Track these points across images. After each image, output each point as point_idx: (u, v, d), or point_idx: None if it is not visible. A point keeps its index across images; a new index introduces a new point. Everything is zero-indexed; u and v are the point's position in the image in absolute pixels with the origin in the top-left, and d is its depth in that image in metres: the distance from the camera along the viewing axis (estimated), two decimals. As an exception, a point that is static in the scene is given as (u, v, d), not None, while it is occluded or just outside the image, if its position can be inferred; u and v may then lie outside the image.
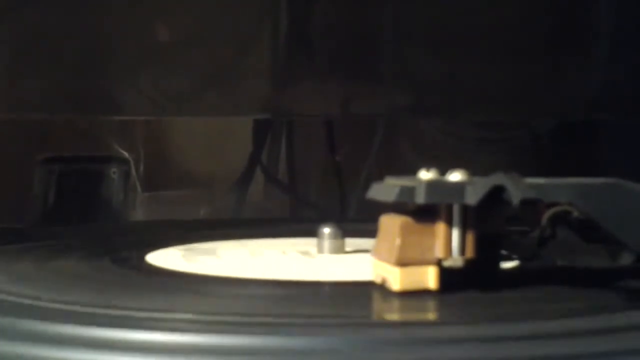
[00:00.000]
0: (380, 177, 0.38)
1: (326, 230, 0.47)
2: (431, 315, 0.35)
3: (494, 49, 0.73)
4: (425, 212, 0.36)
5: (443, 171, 0.36)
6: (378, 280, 0.37)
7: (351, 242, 0.48)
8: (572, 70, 0.74)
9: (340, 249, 0.47)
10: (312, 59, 0.75)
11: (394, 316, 0.35)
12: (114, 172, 0.74)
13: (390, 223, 0.37)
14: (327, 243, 0.47)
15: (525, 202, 0.34)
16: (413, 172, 0.37)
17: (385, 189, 0.36)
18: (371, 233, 0.38)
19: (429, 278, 0.36)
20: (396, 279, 0.36)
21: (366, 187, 0.38)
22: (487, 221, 0.36)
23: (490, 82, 0.73)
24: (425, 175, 0.36)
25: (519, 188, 0.34)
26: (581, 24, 0.74)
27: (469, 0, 0.72)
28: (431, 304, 0.35)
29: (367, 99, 0.75)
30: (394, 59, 0.74)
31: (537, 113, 0.76)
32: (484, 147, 0.77)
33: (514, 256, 0.42)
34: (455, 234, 0.36)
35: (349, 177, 0.77)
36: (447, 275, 0.36)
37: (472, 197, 0.34)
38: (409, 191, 0.35)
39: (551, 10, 0.74)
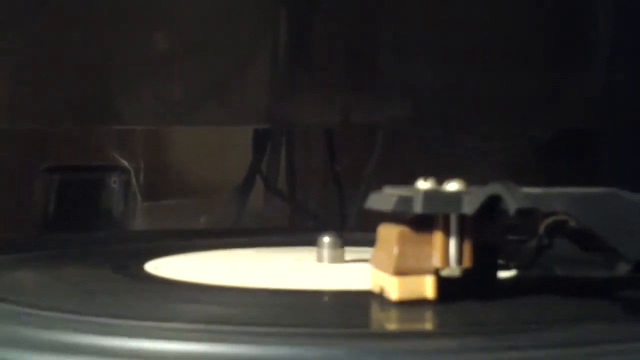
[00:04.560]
0: (379, 187, 0.38)
1: (326, 239, 0.48)
2: (429, 325, 0.35)
3: (493, 59, 0.73)
4: (423, 221, 0.36)
5: (442, 181, 0.36)
6: (376, 289, 0.38)
7: (351, 251, 0.48)
8: (570, 80, 0.74)
9: (339, 258, 0.47)
10: (311, 69, 0.75)
11: (391, 325, 0.35)
12: (114, 181, 0.74)
13: (388, 232, 0.37)
14: (326, 252, 0.47)
15: (521, 212, 0.34)
16: (412, 181, 0.37)
17: (383, 199, 0.36)
18: (371, 242, 0.38)
19: (427, 287, 0.36)
20: (394, 288, 0.36)
21: (366, 196, 0.38)
22: (484, 231, 0.36)
23: (489, 92, 0.74)
24: (423, 185, 0.36)
25: (515, 198, 0.34)
26: (580, 34, 0.74)
27: (467, 11, 0.73)
28: (429, 313, 0.36)
29: (366, 109, 0.75)
30: (393, 69, 0.74)
31: (536, 123, 0.76)
32: (482, 156, 0.77)
33: (512, 265, 0.43)
34: (453, 243, 0.36)
35: (348, 186, 0.77)
36: (444, 285, 0.36)
37: (469, 207, 0.34)
38: (406, 201, 0.35)
39: (550, 20, 0.74)
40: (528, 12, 0.73)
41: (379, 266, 0.37)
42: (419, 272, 0.36)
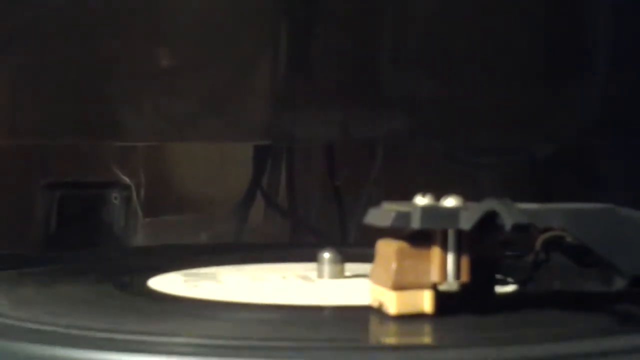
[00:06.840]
0: (380, 202, 0.38)
1: (326, 254, 0.48)
2: (427, 339, 0.36)
3: (493, 73, 0.73)
4: (420, 237, 0.36)
5: (441, 196, 0.37)
6: (375, 304, 0.38)
7: (351, 267, 0.48)
8: (570, 94, 0.74)
9: (339, 274, 0.48)
10: (312, 84, 0.75)
11: (390, 340, 0.35)
12: (115, 197, 0.74)
13: (386, 248, 0.37)
14: (326, 268, 0.48)
15: (518, 227, 0.34)
16: (413, 196, 0.37)
17: (382, 214, 0.37)
18: (371, 258, 0.39)
19: (425, 302, 0.36)
20: (392, 303, 0.36)
21: (366, 211, 0.38)
22: (481, 246, 0.36)
23: (489, 107, 0.74)
24: (421, 200, 0.37)
25: (511, 213, 0.34)
26: (579, 48, 0.74)
27: (468, 25, 0.73)
28: (427, 327, 0.36)
29: (366, 124, 0.75)
30: (393, 84, 0.75)
31: (535, 137, 0.76)
32: (483, 171, 0.77)
33: (509, 280, 0.43)
34: (451, 258, 0.36)
35: (348, 201, 0.78)
36: (442, 299, 0.36)
37: (466, 223, 0.35)
38: (404, 216, 0.36)
39: (549, 34, 0.74)
40: (528, 28, 0.73)
41: (377, 281, 0.38)
42: (417, 286, 0.36)
